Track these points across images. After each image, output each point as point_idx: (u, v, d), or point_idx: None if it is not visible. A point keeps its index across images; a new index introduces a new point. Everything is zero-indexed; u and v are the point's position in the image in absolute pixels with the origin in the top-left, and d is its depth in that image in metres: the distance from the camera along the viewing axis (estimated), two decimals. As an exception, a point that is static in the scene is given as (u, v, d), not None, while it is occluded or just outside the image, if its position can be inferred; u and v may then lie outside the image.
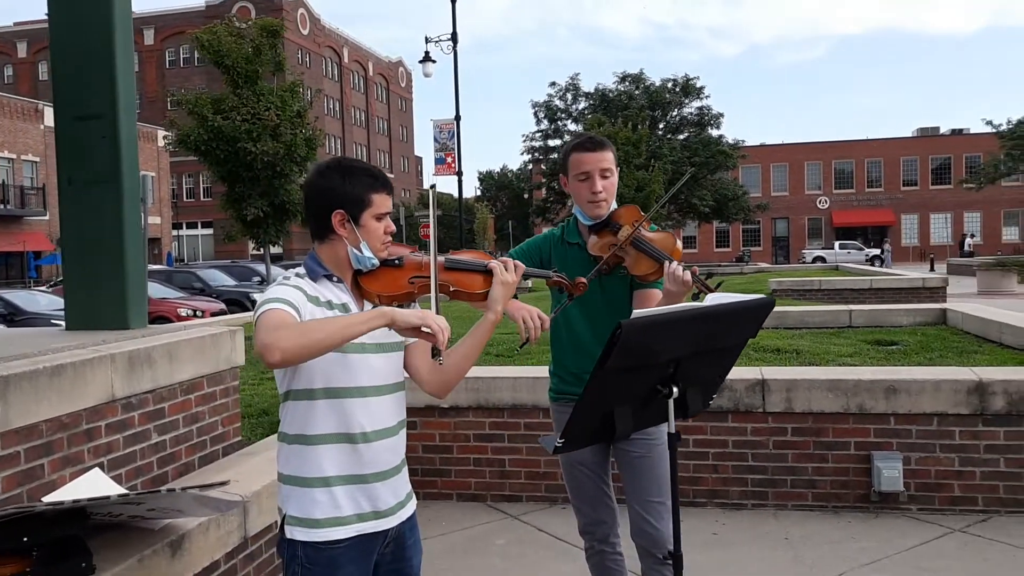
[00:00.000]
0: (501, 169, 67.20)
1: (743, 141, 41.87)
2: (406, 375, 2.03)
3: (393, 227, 1.96)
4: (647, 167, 23.61)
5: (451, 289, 1.95)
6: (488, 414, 4.54)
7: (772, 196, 54.31)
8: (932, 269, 33.95)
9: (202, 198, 56.17)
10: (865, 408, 4.21)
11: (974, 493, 4.16)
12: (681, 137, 39.32)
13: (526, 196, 55.22)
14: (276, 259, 27.92)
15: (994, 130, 33.72)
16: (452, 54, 19.41)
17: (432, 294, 1.87)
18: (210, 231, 55.17)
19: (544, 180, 39.98)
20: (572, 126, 41.18)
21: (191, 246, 57.40)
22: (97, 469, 2.66)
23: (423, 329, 1.74)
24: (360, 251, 1.88)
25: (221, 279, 21.91)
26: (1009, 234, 57.27)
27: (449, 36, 19.58)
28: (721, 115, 39.55)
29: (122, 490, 2.49)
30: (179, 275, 22.26)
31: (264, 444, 3.80)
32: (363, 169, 1.92)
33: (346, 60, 63.08)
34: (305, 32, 57.79)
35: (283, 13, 50.31)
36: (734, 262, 42.51)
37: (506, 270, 1.94)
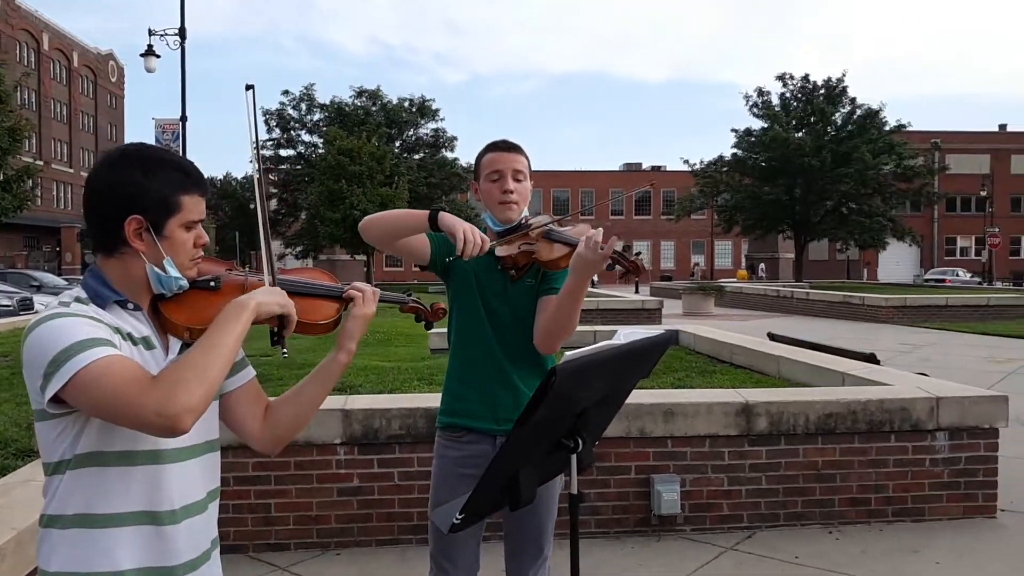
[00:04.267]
0: (224, 177, 63.41)
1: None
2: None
3: (206, 238, 1.50)
4: (390, 183, 23.33)
5: None
6: (251, 453, 3.98)
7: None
8: (637, 291, 37.33)
9: None
10: (646, 432, 4.25)
11: (740, 511, 4.35)
12: (417, 157, 39.65)
13: (252, 207, 52.52)
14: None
15: (689, 168, 37.81)
16: (180, 50, 17.80)
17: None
18: None
19: (276, 191, 38.26)
20: (307, 136, 39.93)
21: None
22: None
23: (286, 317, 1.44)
24: (163, 270, 1.41)
25: None
26: (696, 261, 64.78)
27: (176, 31, 17.96)
28: (455, 138, 40.54)
29: None
30: None
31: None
32: (172, 162, 1.44)
33: (46, 47, 56.02)
34: (-8, 9, 50.42)
35: (-36, -17, 43.54)
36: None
37: (365, 298, 1.59)
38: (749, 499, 4.34)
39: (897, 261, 55.31)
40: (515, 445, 1.38)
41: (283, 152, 40.77)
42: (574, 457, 1.52)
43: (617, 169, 67.99)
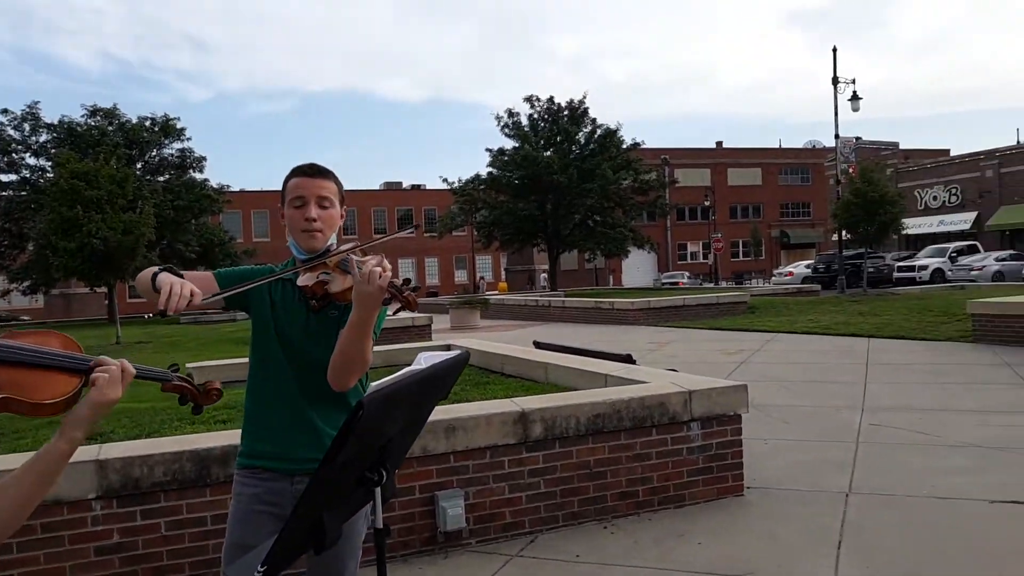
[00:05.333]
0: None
1: (228, 186, 41.15)
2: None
3: None
4: (134, 208, 21.48)
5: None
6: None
7: (255, 242, 54.39)
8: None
9: None
10: (428, 449, 4.25)
11: (522, 517, 4.48)
12: (162, 179, 36.96)
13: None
14: None
15: (448, 186, 38.59)
16: None
17: None
18: None
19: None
20: (32, 160, 35.82)
21: None
22: None
23: None
24: None
25: None
26: (459, 276, 66.25)
27: None
28: (204, 158, 38.32)
29: None
30: None
31: None
32: None
33: None
34: None
35: None
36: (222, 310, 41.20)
37: (111, 380, 1.33)
38: (530, 504, 4.49)
39: (638, 267, 60.07)
40: (320, 486, 1.31)
41: (2, 177, 36.31)
42: (378, 490, 1.47)
43: (378, 188, 67.97)
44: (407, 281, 1.80)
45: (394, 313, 1.98)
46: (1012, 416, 7.10)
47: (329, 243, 2.25)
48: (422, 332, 15.94)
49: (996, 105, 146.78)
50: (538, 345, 8.47)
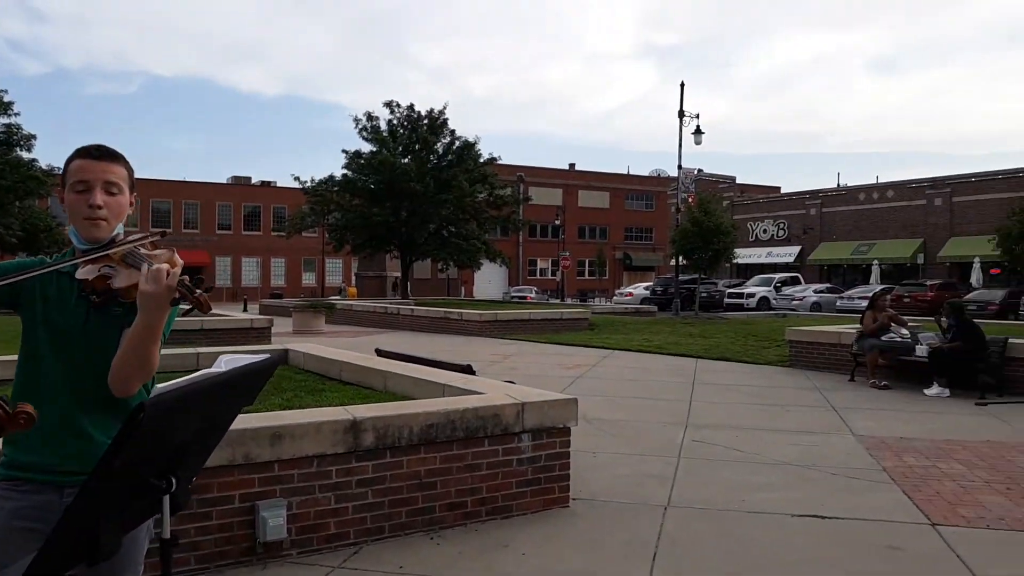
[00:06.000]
0: None
1: (58, 168, 38.14)
2: None
3: None
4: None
5: None
6: None
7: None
8: (245, 309, 36.01)
9: None
10: (252, 457, 4.09)
11: (347, 528, 4.39)
12: (-23, 155, 33.70)
13: None
14: None
15: (300, 185, 37.53)
16: None
17: None
18: None
19: None
20: None
21: None
22: None
23: None
24: None
25: None
26: (308, 279, 64.49)
27: None
28: (33, 136, 35.30)
29: None
30: None
31: None
32: None
33: None
34: None
35: None
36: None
37: None
38: (356, 515, 4.41)
39: (490, 280, 60.72)
40: (93, 492, 1.21)
41: None
42: (167, 498, 1.38)
43: (225, 182, 65.10)
44: (199, 280, 1.68)
45: (184, 314, 1.86)
46: (817, 436, 7.69)
47: (115, 233, 2.04)
48: (261, 335, 15.40)
49: (823, 150, 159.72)
50: (380, 353, 8.37)
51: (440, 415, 4.66)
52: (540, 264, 69.33)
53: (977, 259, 36.74)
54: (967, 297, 30.49)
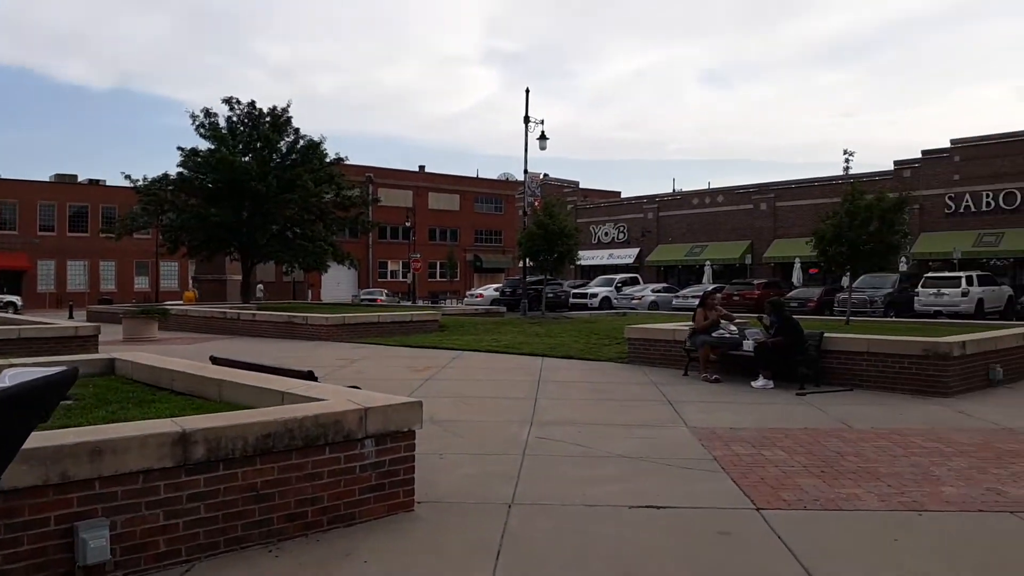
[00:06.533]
0: None
1: None
2: None
3: None
4: None
5: None
6: None
7: None
8: (71, 316, 33.50)
9: None
10: (69, 475, 3.80)
11: (178, 545, 4.15)
12: None
13: None
14: None
15: (132, 184, 35.32)
16: None
17: None
18: None
19: None
20: None
21: None
22: None
23: None
24: None
25: None
26: (140, 283, 60.76)
27: None
28: None
29: None
30: None
31: None
32: None
33: None
34: None
35: None
36: None
37: None
38: (188, 531, 4.18)
39: (339, 282, 59.50)
40: None
41: None
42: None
43: (48, 180, 60.20)
44: None
45: None
46: (653, 429, 8.04)
47: None
48: (86, 344, 14.35)
49: (660, 156, 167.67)
50: (215, 361, 7.99)
51: (278, 424, 4.51)
52: (391, 266, 68.69)
53: (798, 259, 39.65)
54: (789, 295, 32.89)
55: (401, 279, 65.72)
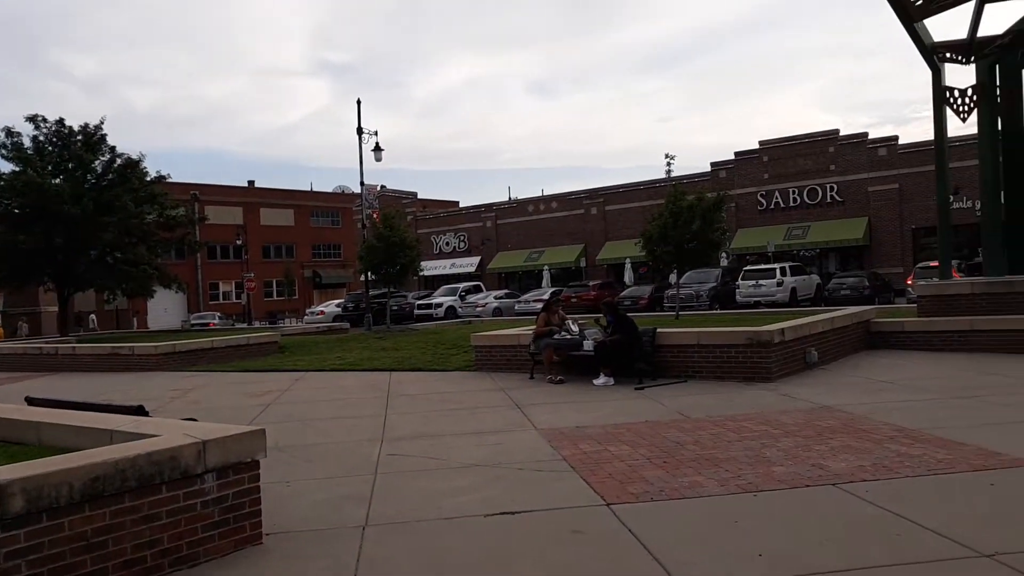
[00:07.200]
0: None
1: None
2: None
3: None
4: None
5: None
6: None
7: None
8: None
9: None
10: None
11: (-3, 610, 3.77)
12: None
13: None
14: None
15: None
16: None
17: None
18: None
19: None
20: None
21: None
22: None
23: None
24: None
25: None
26: (23, 318, 54.83)
27: None
28: None
29: None
30: None
31: None
32: None
33: None
34: None
35: None
36: None
37: None
38: (7, 593, 3.80)
39: (166, 308, 56.23)
40: None
41: None
42: None
43: None
44: None
45: None
46: (504, 435, 8.14)
47: None
48: None
49: (495, 165, 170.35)
50: (31, 401, 7.34)
51: (107, 466, 4.19)
52: (223, 287, 65.76)
53: (628, 260, 41.47)
54: (622, 294, 34.32)
55: (235, 300, 63.05)
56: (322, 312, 43.01)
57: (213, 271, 64.88)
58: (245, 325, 43.54)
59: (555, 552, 4.60)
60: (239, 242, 55.44)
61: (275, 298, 67.10)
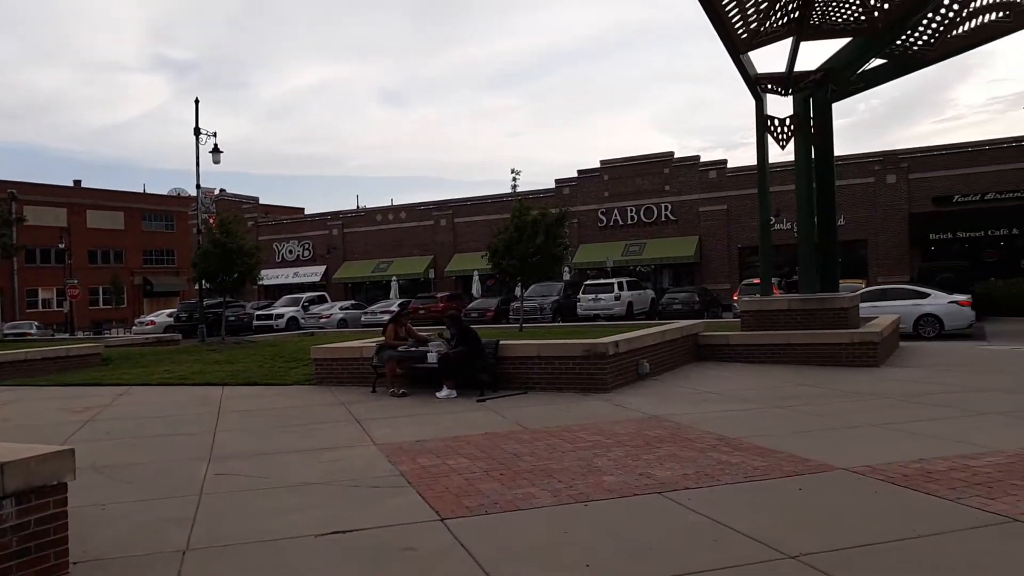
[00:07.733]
0: None
1: None
2: None
3: None
4: None
5: None
6: None
7: None
8: None
9: None
10: None
11: None
12: None
13: None
14: None
15: None
16: None
17: None
18: None
19: None
20: None
21: None
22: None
23: None
24: None
25: None
26: None
27: None
28: None
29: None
30: None
31: None
32: None
33: None
34: None
35: None
36: None
37: None
38: None
39: (-26, 316, 51.25)
40: None
41: None
42: None
43: None
44: None
45: None
46: (341, 451, 7.97)
47: None
48: None
49: (343, 172, 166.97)
50: None
51: None
52: (43, 294, 60.86)
53: (476, 272, 41.83)
54: (469, 306, 34.57)
55: (56, 308, 58.40)
56: (153, 322, 40.66)
57: (32, 277, 59.94)
58: (66, 335, 40.41)
59: (384, 570, 4.54)
60: (62, 246, 51.43)
61: (102, 306, 62.80)
